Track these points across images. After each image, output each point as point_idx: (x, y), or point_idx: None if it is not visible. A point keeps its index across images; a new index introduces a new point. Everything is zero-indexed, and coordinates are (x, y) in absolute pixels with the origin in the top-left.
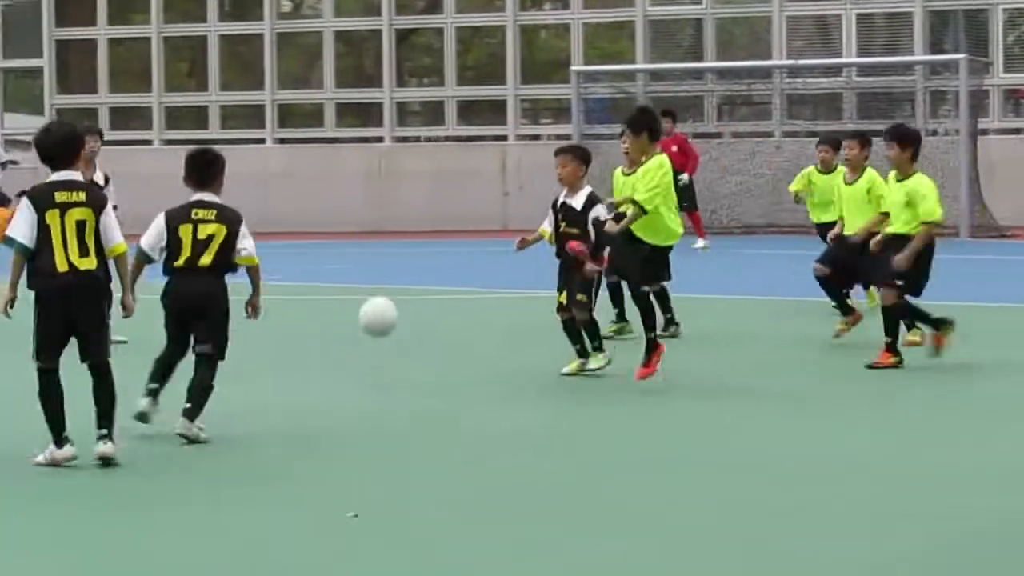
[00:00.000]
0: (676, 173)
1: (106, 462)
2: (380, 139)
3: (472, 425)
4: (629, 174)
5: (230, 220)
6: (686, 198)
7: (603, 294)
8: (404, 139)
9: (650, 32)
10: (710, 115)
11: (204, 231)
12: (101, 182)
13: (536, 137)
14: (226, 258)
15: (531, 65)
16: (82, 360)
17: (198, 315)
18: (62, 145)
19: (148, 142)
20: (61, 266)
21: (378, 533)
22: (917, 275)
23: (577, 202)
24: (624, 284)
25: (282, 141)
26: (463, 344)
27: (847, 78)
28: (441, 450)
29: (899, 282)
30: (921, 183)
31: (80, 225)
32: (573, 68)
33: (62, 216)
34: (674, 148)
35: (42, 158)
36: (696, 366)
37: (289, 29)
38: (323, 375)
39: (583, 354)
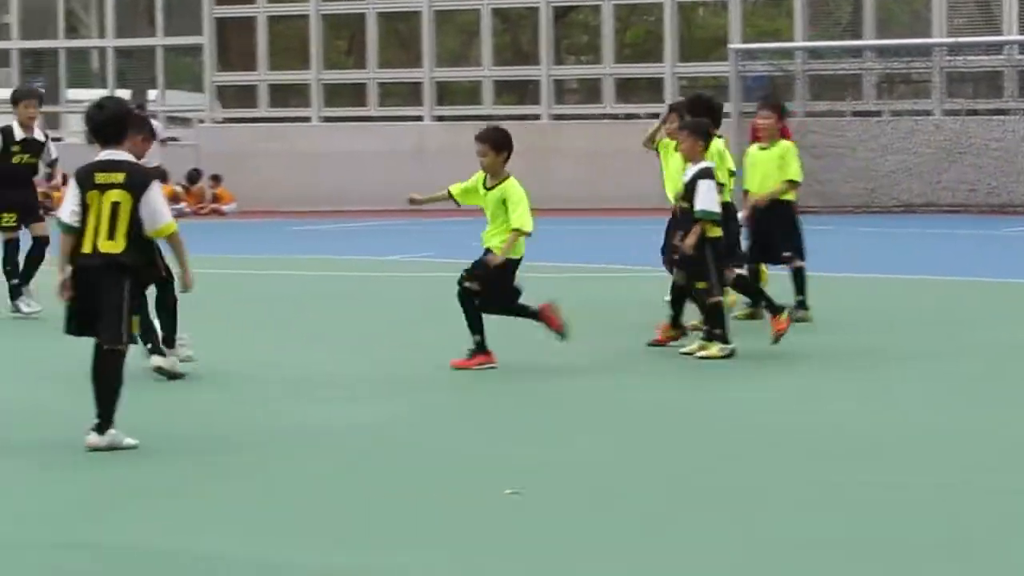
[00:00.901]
0: None
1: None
2: (537, 117)
3: (626, 399)
4: (765, 148)
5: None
6: None
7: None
8: (561, 117)
9: (808, 10)
10: (869, 93)
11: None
12: (41, 139)
13: None
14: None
15: (689, 43)
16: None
17: None
18: (110, 122)
19: (307, 119)
20: (86, 248)
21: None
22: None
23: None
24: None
25: (440, 119)
26: (620, 320)
27: (1008, 56)
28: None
29: None
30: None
31: (114, 207)
32: (731, 46)
33: (100, 197)
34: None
35: (91, 133)
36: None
37: (447, 7)
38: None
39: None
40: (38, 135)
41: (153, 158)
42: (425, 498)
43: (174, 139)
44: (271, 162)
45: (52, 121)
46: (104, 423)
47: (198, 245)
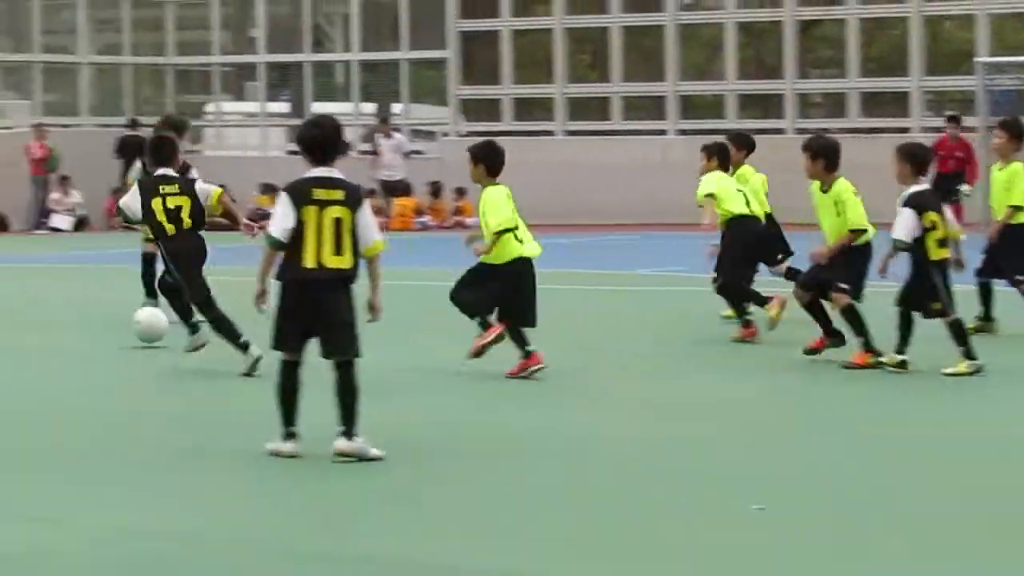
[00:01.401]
0: (955, 181)
1: (343, 457)
2: (781, 131)
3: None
4: (1001, 168)
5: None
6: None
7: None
8: (805, 131)
9: None
10: None
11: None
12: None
13: (938, 130)
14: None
15: (935, 56)
16: (324, 356)
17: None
18: (327, 141)
19: (550, 133)
20: (309, 262)
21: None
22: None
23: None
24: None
25: (683, 132)
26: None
27: None
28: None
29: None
30: None
31: (336, 223)
32: (978, 59)
33: (320, 213)
34: (958, 154)
35: (304, 152)
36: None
37: (691, 21)
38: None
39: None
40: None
41: (397, 171)
42: (664, 509)
43: (418, 152)
44: (515, 175)
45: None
46: (351, 431)
47: (443, 257)
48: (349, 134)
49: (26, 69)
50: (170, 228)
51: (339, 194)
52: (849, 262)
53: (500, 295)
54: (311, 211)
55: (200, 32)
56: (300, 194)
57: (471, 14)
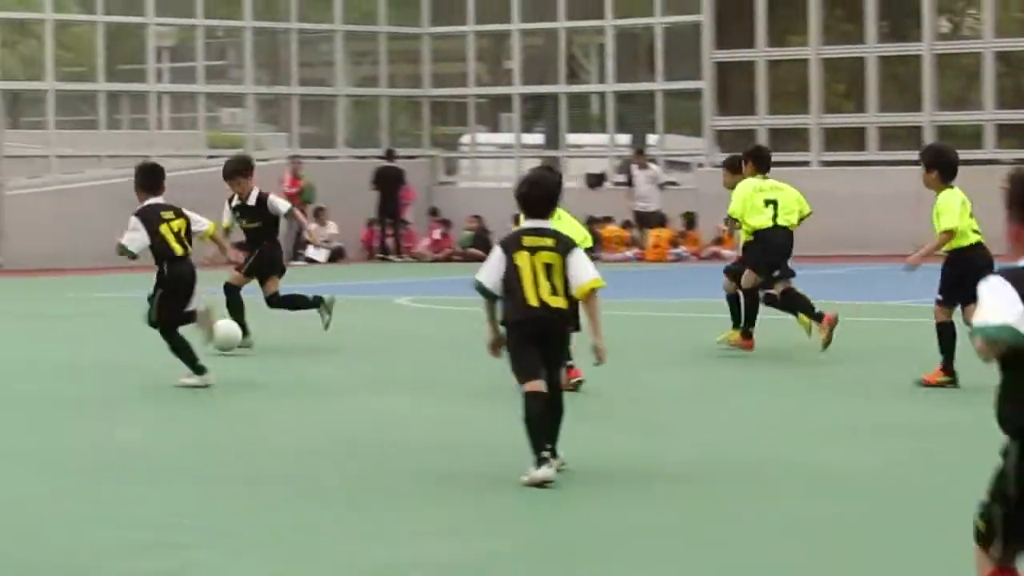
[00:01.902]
0: None
1: (540, 485)
2: None
3: None
4: None
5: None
6: None
7: None
8: None
9: None
10: None
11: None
12: (253, 203)
13: None
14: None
15: None
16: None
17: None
18: (544, 198)
19: (806, 163)
20: (532, 301)
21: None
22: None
23: None
24: None
25: None
26: None
27: None
28: None
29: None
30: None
31: (548, 268)
32: None
33: (531, 258)
34: None
35: (521, 206)
36: None
37: (947, 50)
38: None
39: None
40: (250, 201)
41: (652, 202)
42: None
43: (673, 183)
44: None
45: (554, 165)
46: (551, 456)
47: (697, 288)
48: (604, 165)
49: (283, 102)
50: (179, 249)
51: (549, 241)
52: None
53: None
54: (523, 256)
55: (456, 64)
56: (512, 243)
57: (726, 44)
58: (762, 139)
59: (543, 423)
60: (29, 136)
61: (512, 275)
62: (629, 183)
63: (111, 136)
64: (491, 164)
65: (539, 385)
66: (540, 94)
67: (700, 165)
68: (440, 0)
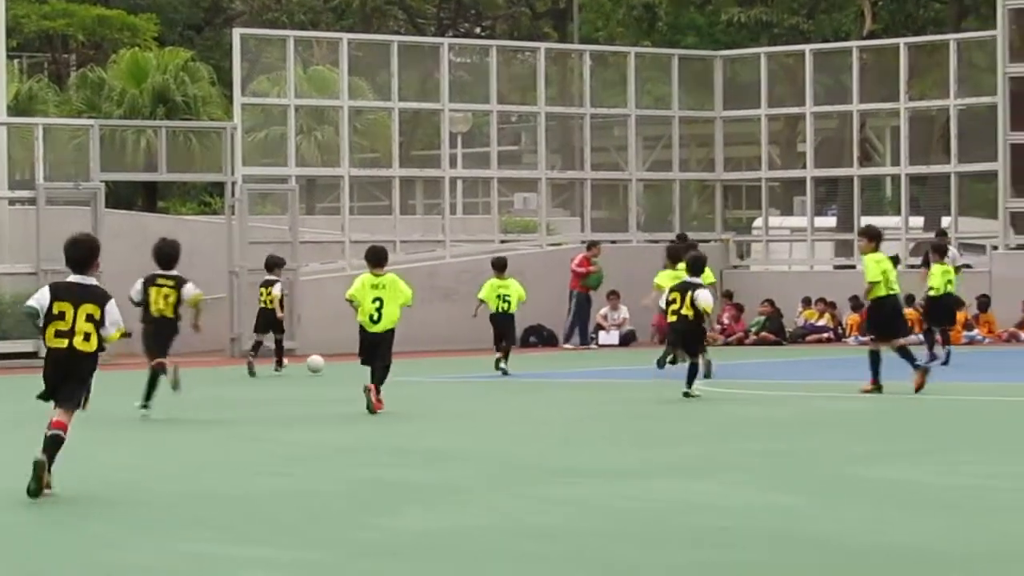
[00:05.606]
0: None
1: None
2: None
3: None
4: None
5: None
6: None
7: None
8: None
9: None
10: None
11: None
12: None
13: None
14: None
15: None
16: None
17: None
18: None
19: None
20: None
21: None
22: None
23: None
24: None
25: None
26: None
27: None
28: None
29: None
30: None
31: None
32: None
33: None
34: None
35: None
36: None
37: None
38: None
39: None
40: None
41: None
42: None
43: (967, 266)
44: None
45: (844, 249)
46: None
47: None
48: (897, 248)
49: (577, 186)
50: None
51: None
52: None
53: None
54: None
55: (748, 147)
56: None
57: (1022, 126)
58: None
59: None
60: (325, 222)
61: None
62: (926, 265)
63: (405, 221)
64: (782, 247)
65: None
66: (833, 177)
67: (994, 247)
68: (733, 84)
